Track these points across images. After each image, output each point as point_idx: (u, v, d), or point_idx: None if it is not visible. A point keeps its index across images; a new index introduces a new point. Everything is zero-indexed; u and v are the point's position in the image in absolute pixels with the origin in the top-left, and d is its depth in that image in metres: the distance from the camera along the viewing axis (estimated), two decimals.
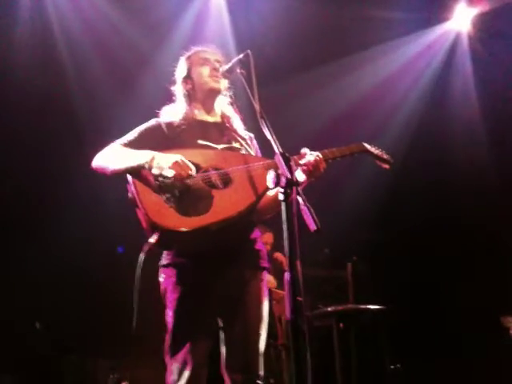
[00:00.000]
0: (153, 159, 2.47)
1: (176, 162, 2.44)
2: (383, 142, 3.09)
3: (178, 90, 2.87)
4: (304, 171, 2.57)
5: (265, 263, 2.72)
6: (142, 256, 2.40)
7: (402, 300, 5.46)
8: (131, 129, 2.74)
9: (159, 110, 2.87)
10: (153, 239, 2.39)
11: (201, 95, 2.83)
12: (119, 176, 2.56)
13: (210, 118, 2.85)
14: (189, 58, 2.88)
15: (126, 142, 2.65)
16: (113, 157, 2.59)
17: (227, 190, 2.53)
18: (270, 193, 2.56)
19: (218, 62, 2.80)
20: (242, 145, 2.79)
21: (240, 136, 2.84)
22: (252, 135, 2.92)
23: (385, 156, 2.91)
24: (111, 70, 5.28)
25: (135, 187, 2.49)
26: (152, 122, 2.77)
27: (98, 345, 5.06)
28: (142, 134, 2.70)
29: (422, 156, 5.92)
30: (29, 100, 5.17)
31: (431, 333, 5.71)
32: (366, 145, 2.85)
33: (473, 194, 5.78)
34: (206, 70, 2.80)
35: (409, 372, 5.21)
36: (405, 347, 5.34)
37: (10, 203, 5.30)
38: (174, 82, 2.90)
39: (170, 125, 2.75)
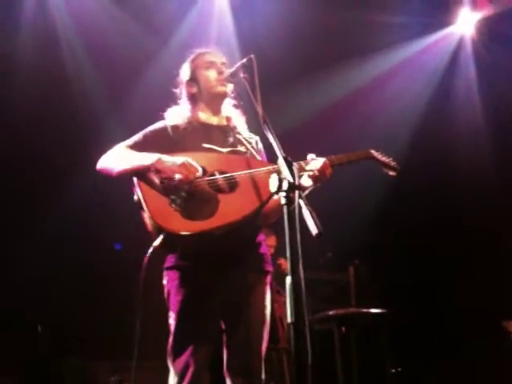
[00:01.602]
0: (159, 161, 2.47)
1: (182, 164, 2.44)
2: (386, 145, 3.09)
3: (183, 93, 2.87)
4: (310, 176, 2.58)
5: (269, 267, 2.72)
6: (146, 259, 2.40)
7: (404, 303, 5.46)
8: (134, 128, 2.75)
9: (163, 111, 2.86)
10: (157, 242, 2.39)
11: (207, 98, 2.83)
12: (124, 177, 2.56)
13: (215, 121, 2.85)
14: (193, 61, 2.88)
15: (131, 143, 2.66)
16: (118, 159, 2.59)
17: (233, 194, 2.53)
18: (275, 197, 2.56)
19: (223, 64, 2.81)
20: (247, 148, 2.79)
21: (246, 139, 2.84)
22: (258, 138, 2.92)
23: (392, 163, 2.91)
24: (114, 72, 5.29)
25: (141, 190, 2.49)
26: (158, 125, 2.77)
27: (99, 347, 5.07)
28: (147, 136, 2.70)
29: (424, 158, 5.92)
30: (32, 100, 5.18)
31: (433, 335, 5.70)
32: (373, 152, 2.85)
33: (475, 196, 5.78)
34: (212, 74, 2.80)
35: (410, 374, 5.21)
36: (406, 350, 5.33)
37: (10, 203, 5.30)
38: (177, 85, 2.91)
39: (175, 127, 2.75)
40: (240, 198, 2.51)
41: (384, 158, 2.89)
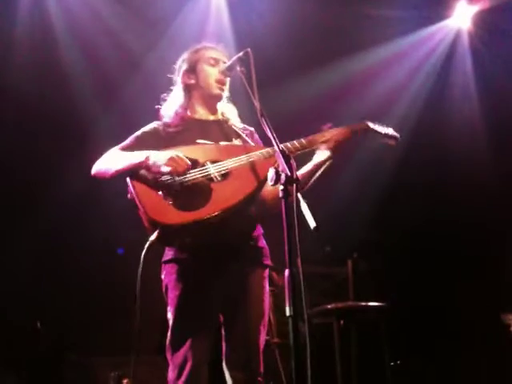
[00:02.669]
0: (148, 158, 2.48)
1: (171, 158, 2.45)
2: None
3: (179, 81, 2.87)
4: (328, 147, 2.64)
5: (267, 261, 2.73)
6: (143, 253, 2.41)
7: (403, 297, 5.47)
8: (130, 128, 2.76)
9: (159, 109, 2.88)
10: (153, 236, 2.40)
11: (203, 94, 2.84)
12: (119, 178, 2.58)
13: (210, 117, 2.86)
14: (197, 52, 2.87)
15: (124, 146, 2.68)
16: (110, 162, 2.61)
17: (226, 181, 2.53)
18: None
19: (225, 63, 2.81)
20: (243, 140, 2.79)
21: (241, 130, 2.85)
22: (253, 129, 2.93)
23: (390, 132, 2.88)
24: (110, 71, 5.27)
25: (134, 188, 2.50)
26: (150, 126, 2.78)
27: (99, 343, 5.07)
28: (139, 138, 2.71)
29: (421, 154, 5.92)
30: (27, 98, 5.16)
31: (432, 329, 5.70)
32: (370, 123, 2.83)
33: (472, 192, 5.78)
34: (214, 72, 2.79)
35: (409, 369, 5.22)
36: (405, 344, 5.35)
37: (9, 203, 5.29)
38: (174, 70, 2.90)
39: (167, 127, 2.77)
40: (233, 184, 2.52)
41: (381, 128, 2.85)
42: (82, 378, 4.83)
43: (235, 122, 2.89)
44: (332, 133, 2.70)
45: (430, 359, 5.65)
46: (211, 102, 2.85)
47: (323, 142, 2.68)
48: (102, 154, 2.69)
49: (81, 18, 5.13)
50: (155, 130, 2.75)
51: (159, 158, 2.47)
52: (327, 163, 2.67)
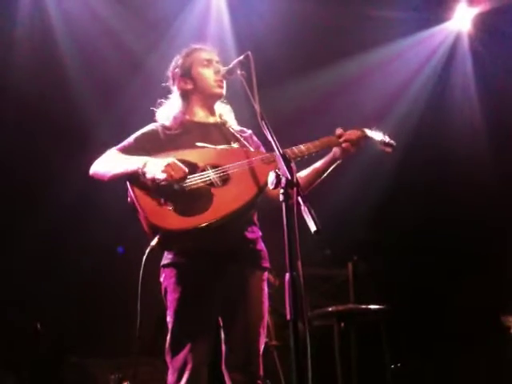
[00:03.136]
0: (145, 165, 2.47)
1: (168, 165, 2.42)
2: None
3: (175, 88, 2.86)
4: (343, 148, 2.71)
5: (266, 263, 2.72)
6: (144, 258, 2.41)
7: (403, 299, 5.47)
8: (128, 129, 2.76)
9: (156, 108, 2.87)
10: (154, 242, 2.40)
11: (202, 97, 2.83)
12: (117, 181, 2.57)
13: (210, 119, 2.85)
14: (188, 55, 2.85)
15: (122, 147, 2.67)
16: (108, 164, 2.60)
17: (226, 186, 2.53)
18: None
19: (218, 62, 2.80)
20: (242, 144, 2.78)
21: (239, 134, 2.84)
22: (250, 131, 2.93)
23: (386, 140, 2.88)
24: (109, 73, 5.27)
25: (133, 192, 2.49)
26: (149, 127, 2.77)
27: (100, 345, 5.06)
28: (138, 140, 2.70)
29: (422, 154, 5.92)
30: (27, 100, 5.16)
31: (432, 331, 5.70)
32: (367, 130, 2.84)
33: (473, 192, 5.78)
34: (210, 73, 2.78)
35: (409, 371, 5.22)
36: (406, 346, 5.34)
37: (9, 202, 5.29)
38: (168, 78, 2.89)
39: (167, 129, 2.75)
40: (233, 189, 2.51)
41: (378, 136, 2.86)
42: (82, 379, 4.83)
43: (232, 124, 2.89)
44: (348, 133, 2.75)
45: (430, 360, 5.65)
46: (210, 102, 2.85)
47: (337, 144, 2.75)
48: (102, 155, 2.68)
49: (81, 18, 5.12)
50: (154, 132, 2.74)
51: (156, 164, 2.45)
52: (336, 163, 2.74)
